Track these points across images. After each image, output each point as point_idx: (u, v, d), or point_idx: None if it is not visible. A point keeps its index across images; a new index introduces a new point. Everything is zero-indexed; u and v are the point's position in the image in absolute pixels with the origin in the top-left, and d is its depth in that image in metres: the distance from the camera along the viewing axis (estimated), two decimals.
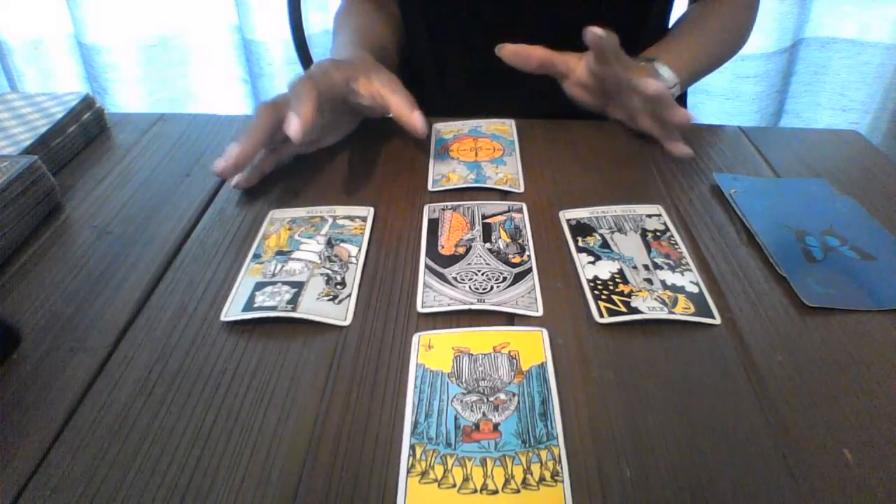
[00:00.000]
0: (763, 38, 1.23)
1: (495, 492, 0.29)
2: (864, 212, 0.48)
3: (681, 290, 0.40)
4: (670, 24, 0.75)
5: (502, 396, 0.33)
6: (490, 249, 0.44)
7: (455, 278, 0.42)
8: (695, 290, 0.41)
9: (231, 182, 0.51)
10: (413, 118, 0.51)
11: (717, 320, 0.38)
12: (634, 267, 0.42)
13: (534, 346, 0.36)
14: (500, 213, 0.48)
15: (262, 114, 0.49)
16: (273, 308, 0.39)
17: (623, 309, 0.39)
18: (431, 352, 0.36)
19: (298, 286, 0.41)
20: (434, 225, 0.47)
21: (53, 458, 0.31)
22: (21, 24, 1.30)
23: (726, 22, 0.68)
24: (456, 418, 0.32)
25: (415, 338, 0.37)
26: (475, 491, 0.29)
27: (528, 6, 0.68)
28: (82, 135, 0.59)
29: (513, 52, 0.55)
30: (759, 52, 1.25)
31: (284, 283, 0.41)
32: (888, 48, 1.24)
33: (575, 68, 0.57)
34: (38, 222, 0.48)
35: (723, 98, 1.32)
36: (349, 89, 0.52)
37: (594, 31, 0.49)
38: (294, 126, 0.45)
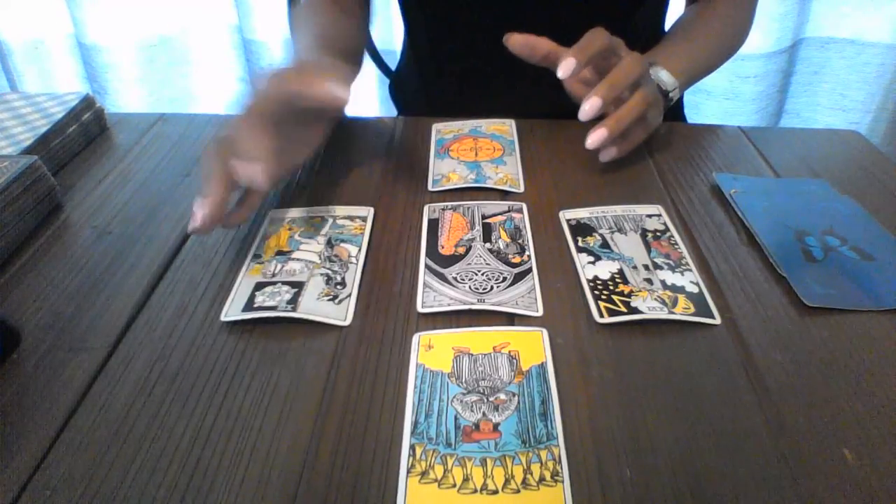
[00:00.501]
0: (763, 38, 1.23)
1: (495, 492, 0.29)
2: (864, 212, 0.48)
3: (681, 290, 0.40)
4: (667, 24, 0.75)
5: (502, 396, 0.33)
6: (490, 249, 0.44)
7: (455, 278, 0.42)
8: (695, 290, 0.41)
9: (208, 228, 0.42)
10: (326, 89, 0.42)
11: (717, 320, 0.38)
12: (634, 267, 0.42)
13: (534, 346, 0.36)
14: (500, 213, 0.48)
15: (214, 167, 0.42)
16: (273, 308, 0.39)
17: (623, 309, 0.39)
18: (431, 352, 0.36)
19: (298, 286, 0.41)
20: (434, 225, 0.47)
21: (53, 458, 0.31)
22: (21, 24, 1.29)
23: (725, 23, 0.68)
24: (456, 418, 0.32)
25: (415, 338, 0.37)
26: (475, 491, 0.29)
27: (526, 6, 0.68)
28: (82, 135, 0.59)
29: (520, 43, 0.54)
30: (759, 52, 1.25)
31: (284, 283, 0.41)
32: (888, 48, 1.24)
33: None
34: (38, 222, 0.48)
35: (723, 98, 1.32)
36: (292, 100, 0.44)
37: (566, 66, 0.48)
38: (259, 183, 0.40)
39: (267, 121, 0.42)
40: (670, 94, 0.58)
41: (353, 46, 0.70)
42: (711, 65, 0.67)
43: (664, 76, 0.58)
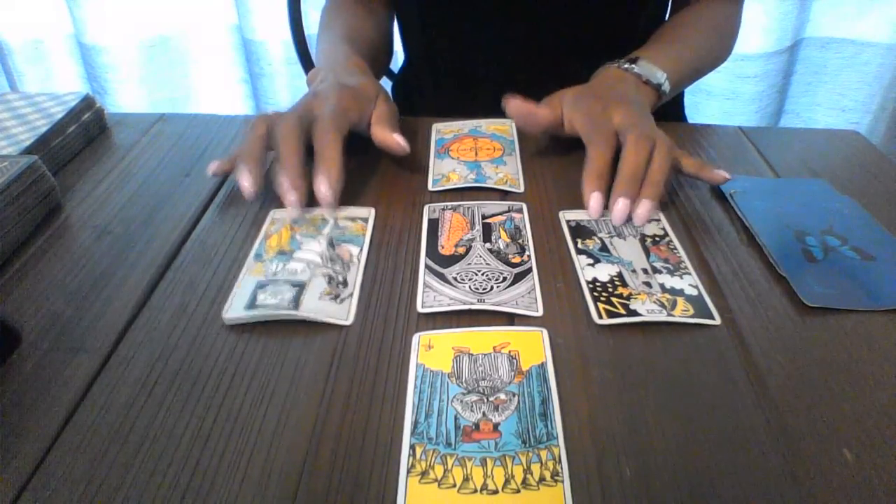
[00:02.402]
0: (763, 38, 1.24)
1: (495, 492, 0.29)
2: (864, 212, 0.48)
3: (679, 293, 0.40)
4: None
5: (502, 396, 0.33)
6: (490, 249, 0.44)
7: (455, 278, 0.42)
8: (694, 292, 0.41)
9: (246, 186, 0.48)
10: (393, 140, 0.52)
11: (717, 321, 0.38)
12: (633, 271, 0.42)
13: (534, 346, 0.36)
14: (500, 213, 0.48)
15: (294, 136, 0.48)
16: (275, 307, 0.39)
17: (622, 311, 0.39)
18: (431, 352, 0.36)
19: (300, 286, 0.41)
20: (434, 225, 0.47)
21: (53, 458, 0.31)
22: (21, 24, 1.30)
23: (710, 27, 0.67)
24: (456, 418, 0.32)
25: (415, 338, 0.37)
26: (475, 491, 0.29)
27: (522, 8, 0.68)
28: (82, 135, 0.59)
29: (517, 112, 0.54)
30: (759, 52, 1.25)
31: (286, 282, 0.41)
32: (888, 48, 1.24)
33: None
34: (38, 222, 0.48)
35: (723, 98, 1.33)
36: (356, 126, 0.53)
37: (595, 207, 0.47)
38: (325, 197, 0.47)
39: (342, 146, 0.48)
40: (662, 88, 0.58)
41: (378, 46, 0.71)
42: (699, 66, 0.66)
43: (654, 71, 0.57)
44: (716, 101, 1.33)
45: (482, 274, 0.42)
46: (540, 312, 0.39)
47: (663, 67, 0.58)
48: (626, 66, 0.58)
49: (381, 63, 0.74)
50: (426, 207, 0.49)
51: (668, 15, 0.73)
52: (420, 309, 0.39)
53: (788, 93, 1.36)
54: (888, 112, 1.28)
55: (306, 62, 0.93)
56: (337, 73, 0.56)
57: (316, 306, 0.39)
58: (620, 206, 0.46)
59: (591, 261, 0.43)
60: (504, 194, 0.51)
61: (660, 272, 0.42)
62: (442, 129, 0.61)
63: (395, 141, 0.51)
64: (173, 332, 0.38)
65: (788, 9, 1.21)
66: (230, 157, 0.52)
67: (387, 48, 0.76)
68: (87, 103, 0.60)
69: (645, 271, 0.42)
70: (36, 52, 1.33)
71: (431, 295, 0.40)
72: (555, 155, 0.57)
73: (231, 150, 0.55)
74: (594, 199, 0.47)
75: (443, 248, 0.45)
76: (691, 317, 0.38)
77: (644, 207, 0.46)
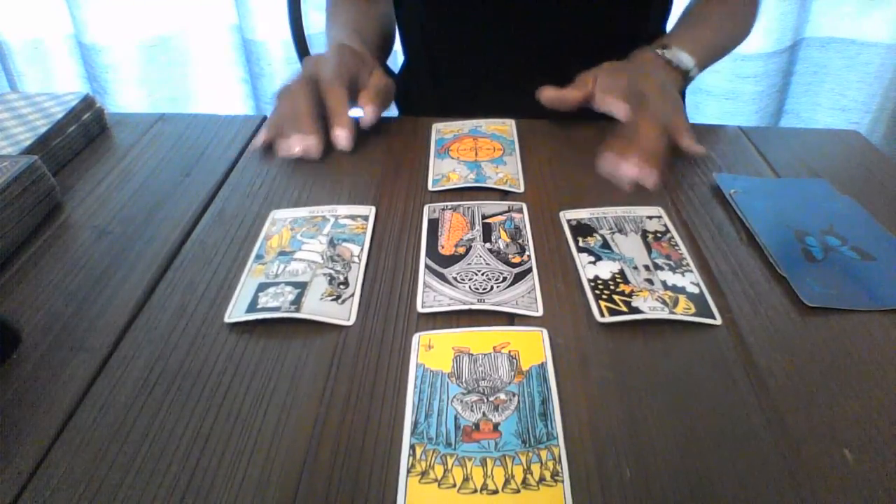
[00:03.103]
0: (763, 38, 1.23)
1: (495, 492, 0.29)
2: (864, 212, 0.48)
3: (681, 290, 0.40)
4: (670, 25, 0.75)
5: (502, 396, 0.33)
6: (490, 249, 0.44)
7: (455, 278, 0.42)
8: (695, 290, 0.41)
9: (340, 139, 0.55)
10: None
11: (718, 321, 0.38)
12: (635, 267, 0.42)
13: (534, 346, 0.36)
14: (500, 213, 0.48)
15: (303, 95, 0.55)
16: (277, 309, 0.39)
17: (624, 309, 0.39)
18: (431, 352, 0.36)
19: (301, 286, 0.41)
20: (434, 225, 0.47)
21: (53, 458, 0.31)
22: (21, 24, 1.30)
23: (731, 12, 0.69)
24: (456, 418, 0.32)
25: (415, 338, 0.37)
26: (475, 491, 0.29)
27: (523, 8, 0.68)
28: (82, 135, 0.59)
29: (551, 98, 0.58)
30: (759, 52, 1.25)
31: (287, 283, 0.41)
32: (888, 48, 1.24)
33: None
34: (38, 222, 0.48)
35: (723, 98, 1.32)
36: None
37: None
38: (343, 141, 0.55)
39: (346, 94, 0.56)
40: (690, 74, 0.61)
41: (380, 39, 0.73)
42: (725, 46, 0.70)
43: (683, 57, 0.60)
44: (716, 101, 1.33)
45: (482, 274, 0.42)
46: (540, 312, 0.39)
47: (692, 53, 0.61)
48: (658, 51, 0.61)
49: (383, 55, 0.76)
50: (426, 207, 0.49)
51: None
52: (420, 309, 0.39)
53: (788, 93, 1.36)
54: (888, 112, 1.28)
55: None
56: (338, 42, 0.61)
57: (317, 307, 0.39)
58: (637, 172, 0.50)
59: (592, 258, 0.43)
60: (504, 194, 0.51)
61: (661, 269, 0.42)
62: (442, 129, 0.61)
63: (372, 115, 0.56)
64: (173, 332, 0.38)
65: (788, 9, 1.21)
66: (267, 127, 0.58)
67: (387, 42, 0.77)
68: (87, 103, 0.60)
69: (647, 268, 0.42)
70: (36, 52, 1.33)
71: (431, 295, 0.40)
72: (555, 155, 0.57)
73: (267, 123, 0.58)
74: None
75: (443, 248, 0.45)
76: (693, 315, 0.38)
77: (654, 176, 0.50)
